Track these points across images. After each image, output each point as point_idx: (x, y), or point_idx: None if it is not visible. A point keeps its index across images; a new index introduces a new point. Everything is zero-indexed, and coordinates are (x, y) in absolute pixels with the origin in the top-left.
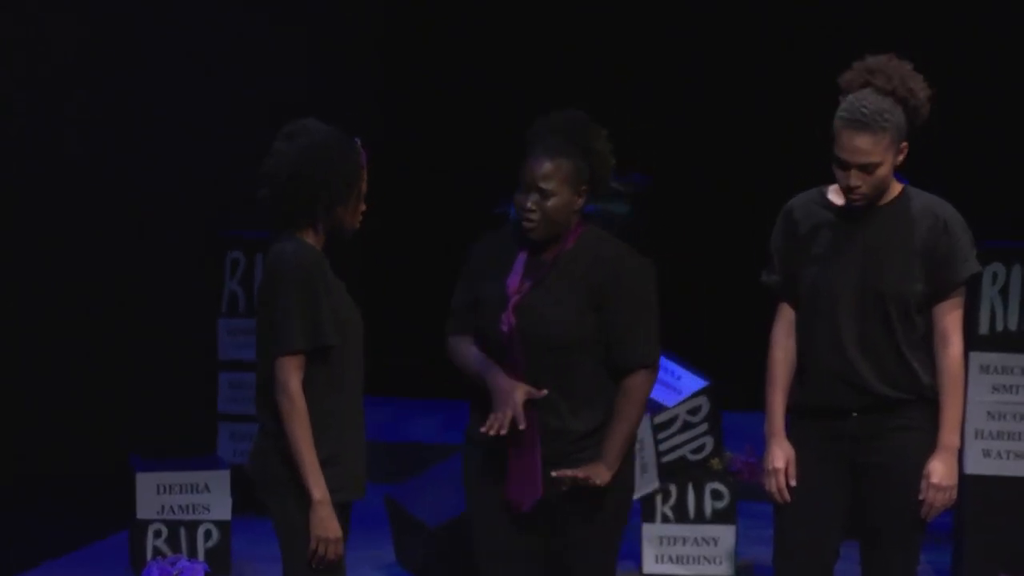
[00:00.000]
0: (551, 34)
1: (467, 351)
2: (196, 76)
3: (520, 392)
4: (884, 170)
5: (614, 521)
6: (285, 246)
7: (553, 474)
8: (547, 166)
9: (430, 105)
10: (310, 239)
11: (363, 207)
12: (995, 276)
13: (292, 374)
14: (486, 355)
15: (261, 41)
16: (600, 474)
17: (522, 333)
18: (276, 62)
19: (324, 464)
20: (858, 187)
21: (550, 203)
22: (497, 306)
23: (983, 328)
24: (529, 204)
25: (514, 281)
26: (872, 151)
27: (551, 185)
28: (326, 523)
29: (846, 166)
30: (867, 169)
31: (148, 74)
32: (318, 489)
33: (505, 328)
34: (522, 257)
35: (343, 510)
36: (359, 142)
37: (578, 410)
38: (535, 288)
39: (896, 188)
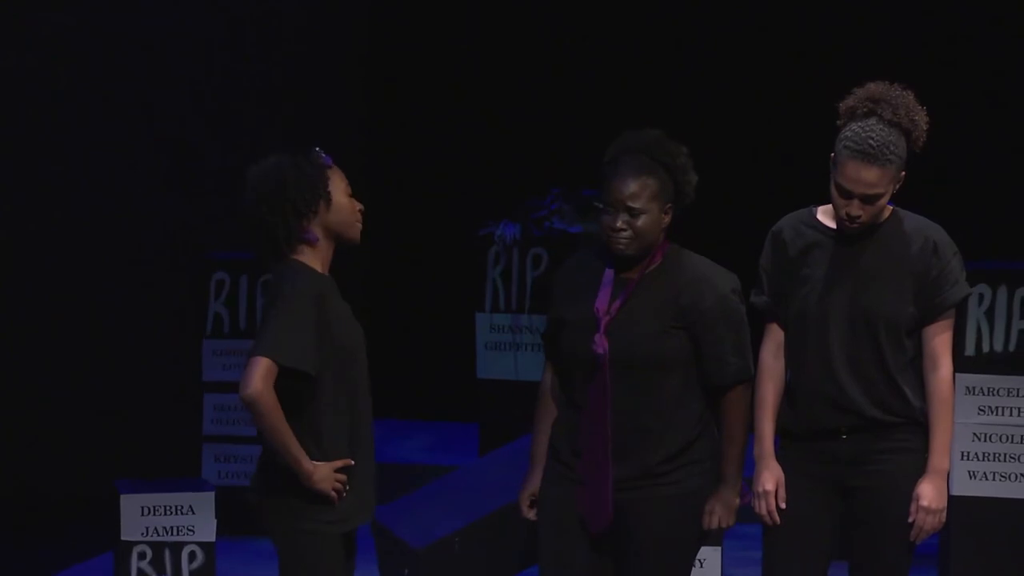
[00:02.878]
0: (549, 40)
1: (541, 418)
2: (196, 75)
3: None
4: (884, 200)
5: (688, 544)
6: (284, 270)
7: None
8: (634, 185)
9: (428, 109)
10: (309, 259)
11: (357, 215)
12: (981, 298)
13: (258, 374)
14: (556, 400)
15: (261, 40)
16: (724, 513)
17: (612, 353)
18: (274, 61)
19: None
20: (858, 217)
21: (640, 222)
22: (586, 328)
23: (969, 349)
24: (619, 224)
25: (603, 302)
26: (878, 183)
27: (639, 203)
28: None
29: (849, 195)
30: (870, 200)
31: (148, 73)
32: (306, 461)
33: (600, 351)
34: (608, 277)
35: (347, 538)
36: (319, 150)
37: (664, 431)
38: (623, 308)
39: (886, 210)
